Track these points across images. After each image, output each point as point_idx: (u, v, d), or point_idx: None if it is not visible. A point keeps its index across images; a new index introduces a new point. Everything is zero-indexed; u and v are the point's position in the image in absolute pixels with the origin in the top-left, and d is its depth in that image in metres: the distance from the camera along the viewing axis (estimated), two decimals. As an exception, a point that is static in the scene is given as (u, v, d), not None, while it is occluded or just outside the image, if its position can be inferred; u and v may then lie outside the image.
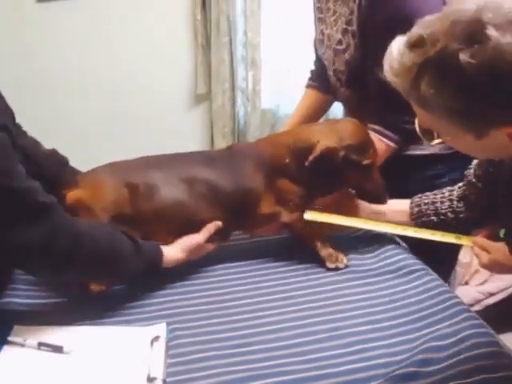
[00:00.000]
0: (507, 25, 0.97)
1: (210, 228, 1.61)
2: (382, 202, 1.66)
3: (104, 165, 1.67)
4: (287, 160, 1.61)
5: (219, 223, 1.61)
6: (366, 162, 1.62)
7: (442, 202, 1.61)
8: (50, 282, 1.58)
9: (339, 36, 1.78)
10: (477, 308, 2.00)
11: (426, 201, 1.63)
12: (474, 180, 1.53)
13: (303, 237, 1.67)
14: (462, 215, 1.59)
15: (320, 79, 2.04)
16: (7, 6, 3.18)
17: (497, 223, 1.54)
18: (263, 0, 3.37)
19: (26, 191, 1.28)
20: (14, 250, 1.32)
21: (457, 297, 1.47)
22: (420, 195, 1.65)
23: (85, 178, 1.63)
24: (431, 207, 1.61)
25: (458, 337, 1.29)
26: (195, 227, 1.60)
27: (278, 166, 1.62)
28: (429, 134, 1.17)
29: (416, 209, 1.63)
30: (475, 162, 1.53)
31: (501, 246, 1.41)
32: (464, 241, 1.53)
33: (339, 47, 1.79)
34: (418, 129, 1.19)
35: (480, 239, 1.46)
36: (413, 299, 1.47)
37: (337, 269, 1.62)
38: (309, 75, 2.15)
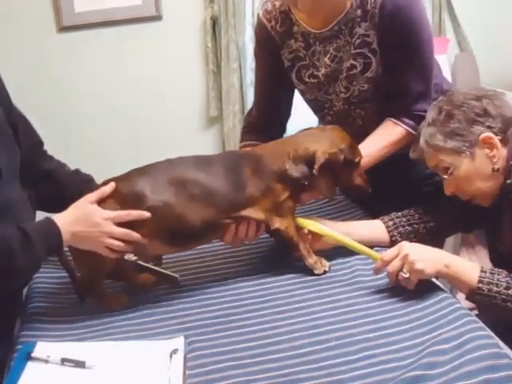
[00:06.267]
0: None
1: (105, 190, 1.56)
2: (368, 192, 1.77)
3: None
4: (288, 167, 1.64)
5: (113, 184, 1.56)
6: (357, 159, 1.72)
7: (412, 216, 1.79)
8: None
9: (348, 63, 1.86)
10: (476, 312, 2.05)
11: (397, 215, 1.80)
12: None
13: (290, 244, 1.68)
14: (431, 224, 1.79)
15: (264, 133, 2.05)
16: (30, 35, 3.29)
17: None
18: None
19: None
20: None
21: (458, 302, 1.50)
22: (388, 215, 1.81)
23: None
24: (404, 219, 1.79)
25: (461, 340, 1.32)
26: (187, 231, 1.59)
27: (277, 173, 1.64)
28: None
29: (391, 222, 1.78)
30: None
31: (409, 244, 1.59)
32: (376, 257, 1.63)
33: (354, 71, 1.87)
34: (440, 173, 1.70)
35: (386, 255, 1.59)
36: (417, 306, 1.50)
37: (324, 273, 1.67)
38: (245, 135, 2.15)
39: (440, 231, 1.83)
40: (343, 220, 1.92)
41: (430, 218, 1.80)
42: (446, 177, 1.68)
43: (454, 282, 1.57)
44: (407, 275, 1.52)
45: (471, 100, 1.65)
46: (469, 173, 1.65)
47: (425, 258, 1.53)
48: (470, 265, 1.56)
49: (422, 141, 1.70)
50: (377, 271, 1.61)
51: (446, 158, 1.65)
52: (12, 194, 1.58)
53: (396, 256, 1.55)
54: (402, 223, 1.79)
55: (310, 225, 1.70)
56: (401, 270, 1.54)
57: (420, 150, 1.72)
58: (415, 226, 1.78)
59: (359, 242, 1.69)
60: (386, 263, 1.57)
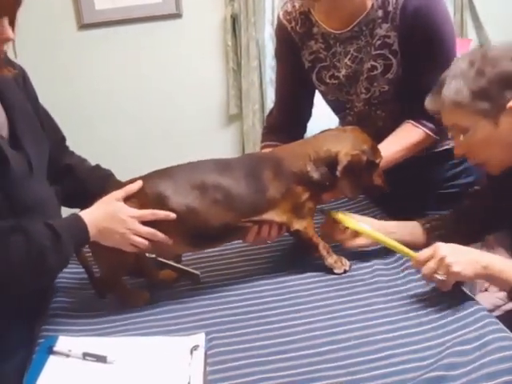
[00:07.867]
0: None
1: (132, 187, 1.56)
2: (386, 192, 1.75)
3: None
4: (309, 169, 1.64)
5: (140, 183, 1.56)
6: (377, 160, 1.71)
7: (447, 219, 1.76)
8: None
9: (369, 64, 1.86)
10: (497, 313, 2.02)
11: (434, 218, 1.76)
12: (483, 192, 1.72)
13: (310, 245, 1.68)
14: (463, 228, 1.73)
15: (284, 134, 2.05)
16: (50, 32, 3.33)
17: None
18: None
19: None
20: None
21: (478, 303, 1.49)
22: (425, 218, 1.78)
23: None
24: (440, 222, 1.74)
25: (482, 341, 1.32)
26: (209, 234, 1.60)
27: (298, 174, 1.63)
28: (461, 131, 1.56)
29: (428, 225, 1.74)
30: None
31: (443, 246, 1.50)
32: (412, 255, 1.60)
33: (375, 73, 1.87)
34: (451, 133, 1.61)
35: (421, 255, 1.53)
36: (437, 307, 1.49)
37: (345, 272, 1.67)
38: (265, 135, 2.15)
39: (472, 234, 1.77)
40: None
41: (462, 223, 1.75)
42: (460, 138, 1.58)
43: (493, 282, 1.53)
44: (444, 278, 1.47)
45: (508, 61, 1.49)
46: (488, 138, 1.54)
47: (462, 260, 1.46)
48: (509, 263, 1.50)
49: (444, 93, 1.55)
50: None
51: (467, 118, 1.54)
52: (42, 191, 1.58)
53: (431, 256, 1.49)
54: (438, 226, 1.74)
55: (349, 222, 1.69)
56: (436, 271, 1.48)
57: (439, 103, 1.59)
58: (450, 229, 1.73)
59: (399, 242, 1.66)
60: (421, 264, 1.51)
